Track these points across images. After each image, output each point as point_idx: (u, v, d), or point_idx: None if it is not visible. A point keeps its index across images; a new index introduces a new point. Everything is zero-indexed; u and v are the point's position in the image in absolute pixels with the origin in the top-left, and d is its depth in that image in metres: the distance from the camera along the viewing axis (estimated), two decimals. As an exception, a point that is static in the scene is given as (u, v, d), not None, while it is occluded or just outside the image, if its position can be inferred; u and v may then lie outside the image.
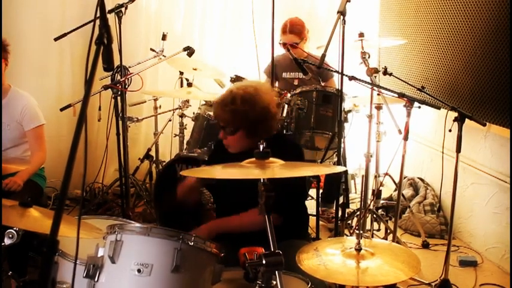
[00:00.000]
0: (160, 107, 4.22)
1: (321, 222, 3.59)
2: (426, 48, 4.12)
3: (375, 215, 3.71)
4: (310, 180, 3.37)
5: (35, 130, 3.23)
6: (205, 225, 2.41)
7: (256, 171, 1.70)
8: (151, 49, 3.95)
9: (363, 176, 3.69)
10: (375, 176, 3.76)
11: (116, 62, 3.27)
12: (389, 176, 3.90)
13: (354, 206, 4.31)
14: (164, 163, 4.02)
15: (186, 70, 4.07)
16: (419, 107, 3.14)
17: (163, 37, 3.87)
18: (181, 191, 2.54)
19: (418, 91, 3.16)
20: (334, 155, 3.52)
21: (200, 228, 2.38)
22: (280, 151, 1.83)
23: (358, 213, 3.76)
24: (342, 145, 3.44)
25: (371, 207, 3.67)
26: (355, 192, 4.74)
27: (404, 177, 4.25)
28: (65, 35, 3.28)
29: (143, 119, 4.13)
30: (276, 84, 4.15)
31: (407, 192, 4.32)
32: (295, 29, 4.06)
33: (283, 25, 4.09)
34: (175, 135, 4.10)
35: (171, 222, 2.98)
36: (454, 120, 2.74)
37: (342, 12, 2.70)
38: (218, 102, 2.41)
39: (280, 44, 3.99)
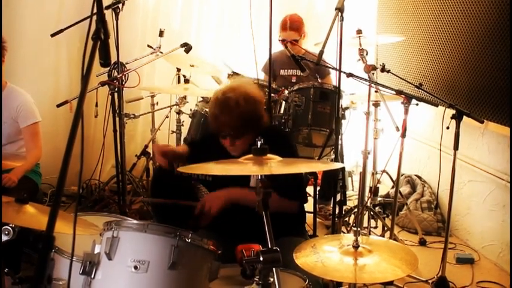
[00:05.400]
0: (157, 103, 4.21)
1: (318, 220, 3.59)
2: (424, 45, 4.11)
3: (372, 212, 3.71)
4: (308, 177, 3.37)
5: (30, 127, 3.22)
6: (223, 191, 2.29)
7: (253, 167, 1.69)
8: (148, 45, 3.93)
9: (360, 173, 3.69)
10: (372, 173, 3.76)
11: (113, 58, 3.26)
12: (387, 173, 3.91)
13: (351, 203, 4.31)
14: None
15: (183, 67, 4.05)
16: (417, 104, 3.14)
17: (161, 33, 3.86)
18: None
19: (415, 88, 3.15)
20: (332, 152, 3.52)
21: (217, 193, 2.31)
22: (270, 142, 1.79)
23: (356, 210, 3.76)
24: (340, 142, 3.44)
25: (368, 204, 3.67)
26: (353, 190, 4.74)
27: (402, 175, 4.24)
28: (61, 31, 3.26)
29: (140, 115, 4.13)
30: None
31: (404, 189, 4.32)
32: (294, 26, 4.04)
33: (283, 22, 4.07)
34: (173, 131, 4.09)
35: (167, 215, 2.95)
36: (451, 118, 2.74)
37: (339, 9, 2.69)
38: (219, 112, 2.27)
39: (279, 40, 3.98)
